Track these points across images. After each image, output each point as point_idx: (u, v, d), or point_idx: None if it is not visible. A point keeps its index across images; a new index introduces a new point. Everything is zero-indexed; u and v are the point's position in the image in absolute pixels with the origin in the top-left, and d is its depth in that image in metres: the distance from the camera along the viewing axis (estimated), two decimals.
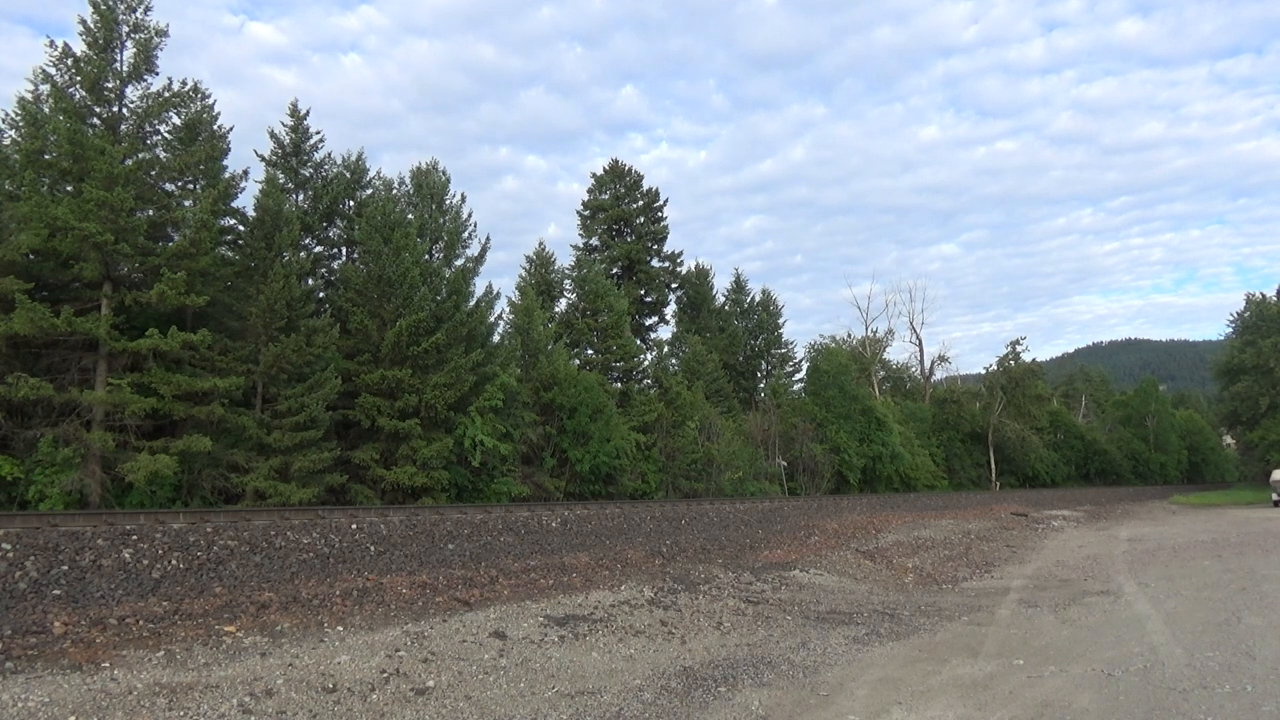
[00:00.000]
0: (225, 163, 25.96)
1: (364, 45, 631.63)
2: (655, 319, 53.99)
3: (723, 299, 57.61)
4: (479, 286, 31.35)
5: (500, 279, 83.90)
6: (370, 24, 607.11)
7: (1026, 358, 74.19)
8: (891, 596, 17.36)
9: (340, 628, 10.88)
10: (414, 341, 26.36)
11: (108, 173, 20.87)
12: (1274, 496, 52.80)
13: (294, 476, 22.88)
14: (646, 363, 41.95)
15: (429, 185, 31.03)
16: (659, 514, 24.61)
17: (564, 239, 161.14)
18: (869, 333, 73.63)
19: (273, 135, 30.50)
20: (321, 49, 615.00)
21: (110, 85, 23.18)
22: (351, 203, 31.39)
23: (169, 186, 25.11)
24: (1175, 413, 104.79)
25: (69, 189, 21.98)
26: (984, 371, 76.75)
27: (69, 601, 10.66)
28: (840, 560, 22.22)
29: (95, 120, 23.18)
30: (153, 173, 23.87)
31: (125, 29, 23.15)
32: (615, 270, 51.34)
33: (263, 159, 30.26)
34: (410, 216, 29.08)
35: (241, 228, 26.58)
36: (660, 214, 54.32)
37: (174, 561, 12.40)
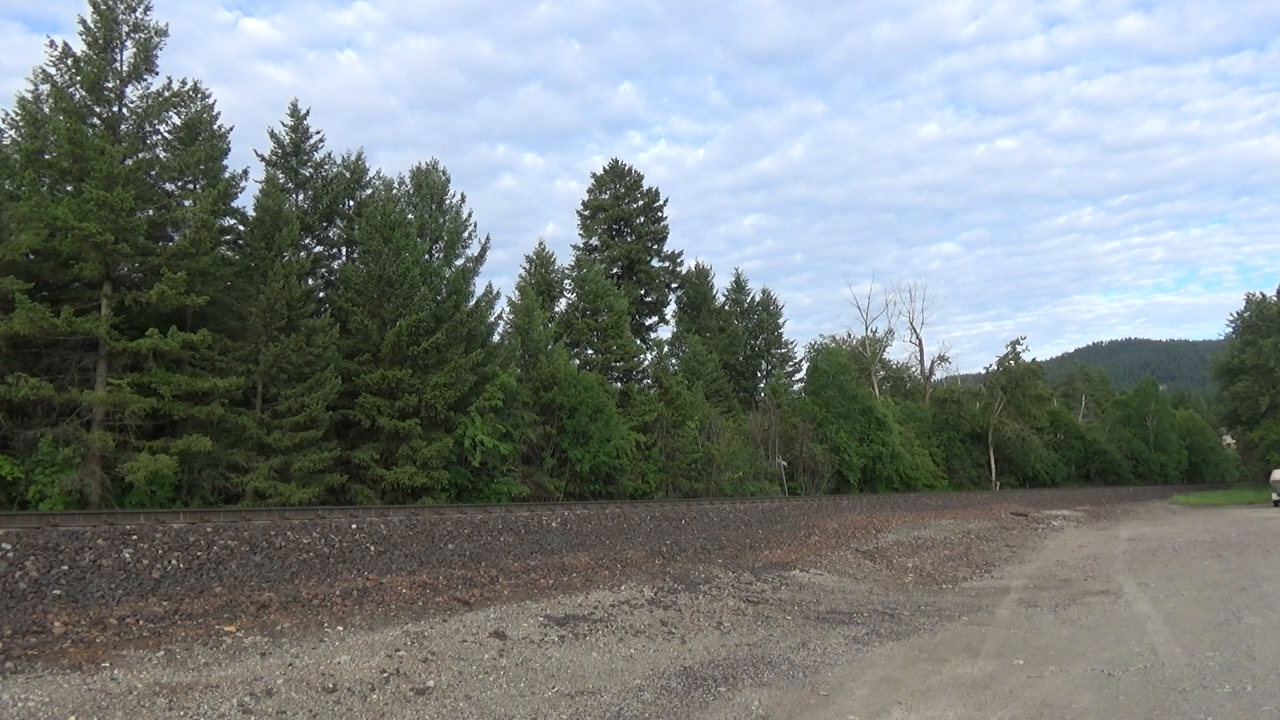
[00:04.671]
0: (225, 162, 25.98)
1: (360, 42, 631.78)
2: (655, 319, 54.00)
3: (723, 299, 57.63)
4: (479, 286, 31.42)
5: (499, 278, 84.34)
6: (366, 20, 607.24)
7: (1027, 357, 74.08)
8: (891, 596, 17.35)
9: (340, 628, 10.88)
10: (414, 341, 26.35)
11: (108, 173, 20.87)
12: (1274, 496, 52.79)
13: (294, 476, 22.88)
14: (646, 363, 41.97)
15: (429, 185, 31.04)
16: (659, 514, 24.61)
17: (563, 238, 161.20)
18: (869, 332, 73.70)
19: (272, 135, 30.53)
20: (317, 45, 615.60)
21: (110, 85, 23.19)
22: (351, 202, 31.40)
23: (169, 186, 25.12)
24: (1175, 413, 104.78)
25: (69, 189, 21.98)
26: (984, 371, 76.76)
27: (69, 601, 10.66)
28: (840, 560, 22.21)
29: (95, 120, 23.18)
30: (153, 173, 23.88)
31: (125, 29, 23.17)
32: (615, 270, 51.32)
33: (263, 159, 30.29)
34: (410, 216, 29.09)
35: (241, 228, 26.59)
36: (660, 214, 54.33)
37: (174, 561, 12.41)
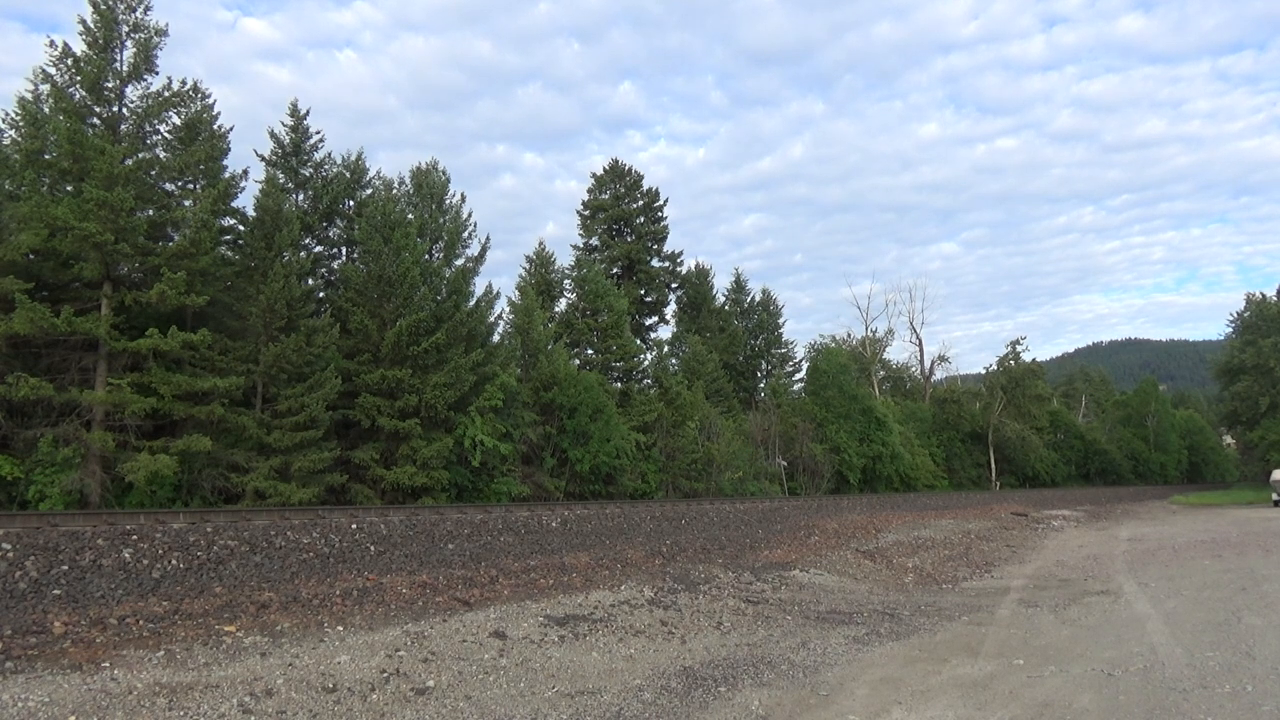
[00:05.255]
0: (225, 162, 25.99)
1: (359, 41, 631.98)
2: (655, 319, 54.06)
3: (723, 299, 57.67)
4: (479, 286, 31.44)
5: (499, 278, 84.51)
6: (365, 20, 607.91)
7: (1027, 357, 74.20)
8: (891, 596, 17.35)
9: (340, 628, 10.88)
10: (414, 341, 26.36)
11: (108, 173, 20.87)
12: (1274, 496, 52.74)
13: (294, 476, 22.88)
14: (646, 363, 41.99)
15: (429, 185, 31.05)
16: (659, 514, 24.61)
17: (562, 237, 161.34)
18: (869, 332, 73.80)
19: (272, 135, 30.55)
20: (316, 45, 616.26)
21: (110, 85, 23.18)
22: (351, 202, 31.42)
23: (169, 186, 25.13)
24: (1175, 413, 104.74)
25: (69, 189, 21.99)
26: (984, 371, 76.82)
27: (69, 601, 10.66)
28: (840, 560, 22.21)
29: (95, 120, 23.18)
30: (153, 173, 23.87)
31: (125, 29, 23.17)
32: (615, 270, 51.35)
33: (263, 159, 30.31)
34: (410, 216, 29.10)
35: (241, 228, 26.59)
36: (660, 214, 54.39)
37: (174, 561, 12.40)
